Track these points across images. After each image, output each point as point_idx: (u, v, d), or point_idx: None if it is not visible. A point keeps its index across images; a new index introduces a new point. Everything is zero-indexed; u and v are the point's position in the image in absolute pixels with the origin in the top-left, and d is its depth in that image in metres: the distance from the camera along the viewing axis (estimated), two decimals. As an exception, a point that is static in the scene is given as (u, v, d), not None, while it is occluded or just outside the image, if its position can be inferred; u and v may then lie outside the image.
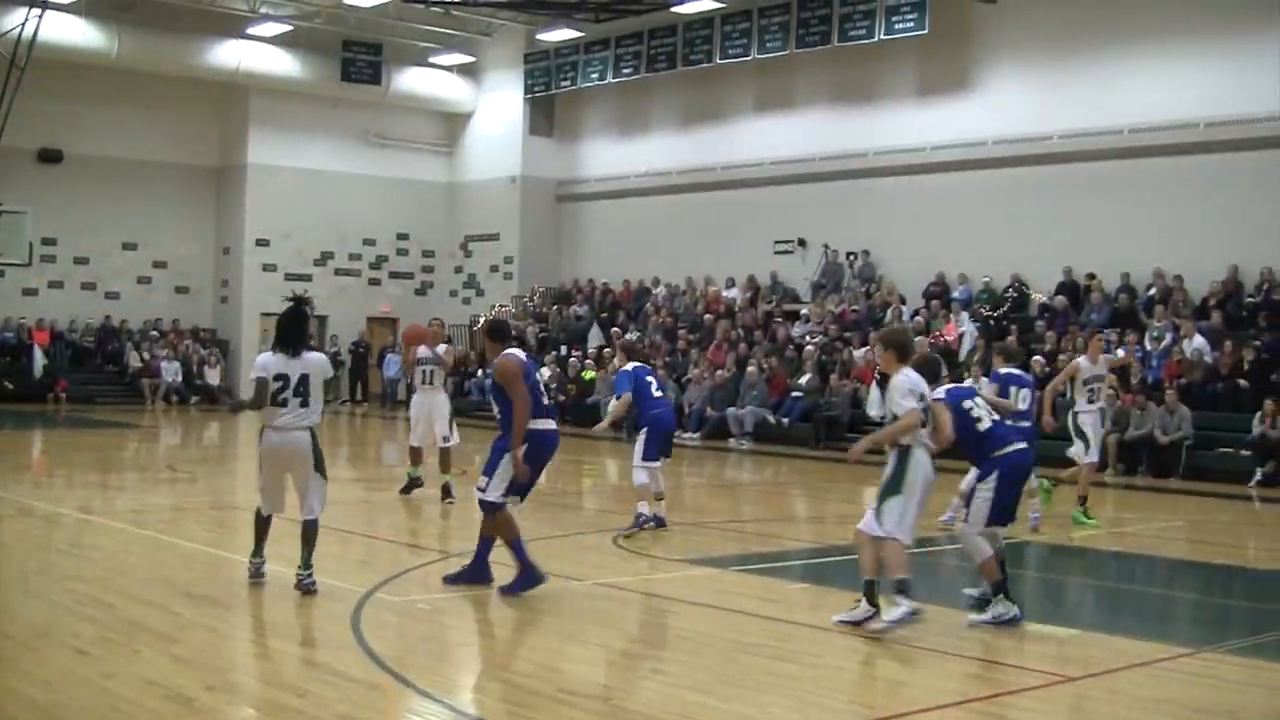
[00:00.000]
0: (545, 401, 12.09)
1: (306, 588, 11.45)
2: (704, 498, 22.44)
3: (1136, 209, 30.25)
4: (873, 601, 10.87)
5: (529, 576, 11.72)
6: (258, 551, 11.96)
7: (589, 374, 36.67)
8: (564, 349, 39.01)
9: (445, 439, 18.76)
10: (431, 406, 18.85)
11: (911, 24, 32.89)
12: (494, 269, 45.58)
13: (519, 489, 11.93)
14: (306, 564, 11.58)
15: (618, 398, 16.68)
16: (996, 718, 8.21)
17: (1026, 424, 16.67)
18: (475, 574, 12.12)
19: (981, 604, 11.41)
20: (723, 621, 11.17)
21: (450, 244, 47.01)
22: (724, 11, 36.82)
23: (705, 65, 38.05)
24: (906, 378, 11.22)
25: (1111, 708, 8.44)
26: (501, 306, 43.76)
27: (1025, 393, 16.58)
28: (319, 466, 11.81)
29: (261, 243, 43.46)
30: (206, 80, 41.99)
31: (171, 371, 40.78)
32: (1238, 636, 11.33)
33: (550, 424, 12.11)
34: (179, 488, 20.19)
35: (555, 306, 42.05)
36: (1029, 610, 12.34)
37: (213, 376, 41.90)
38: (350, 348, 44.35)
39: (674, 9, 37.01)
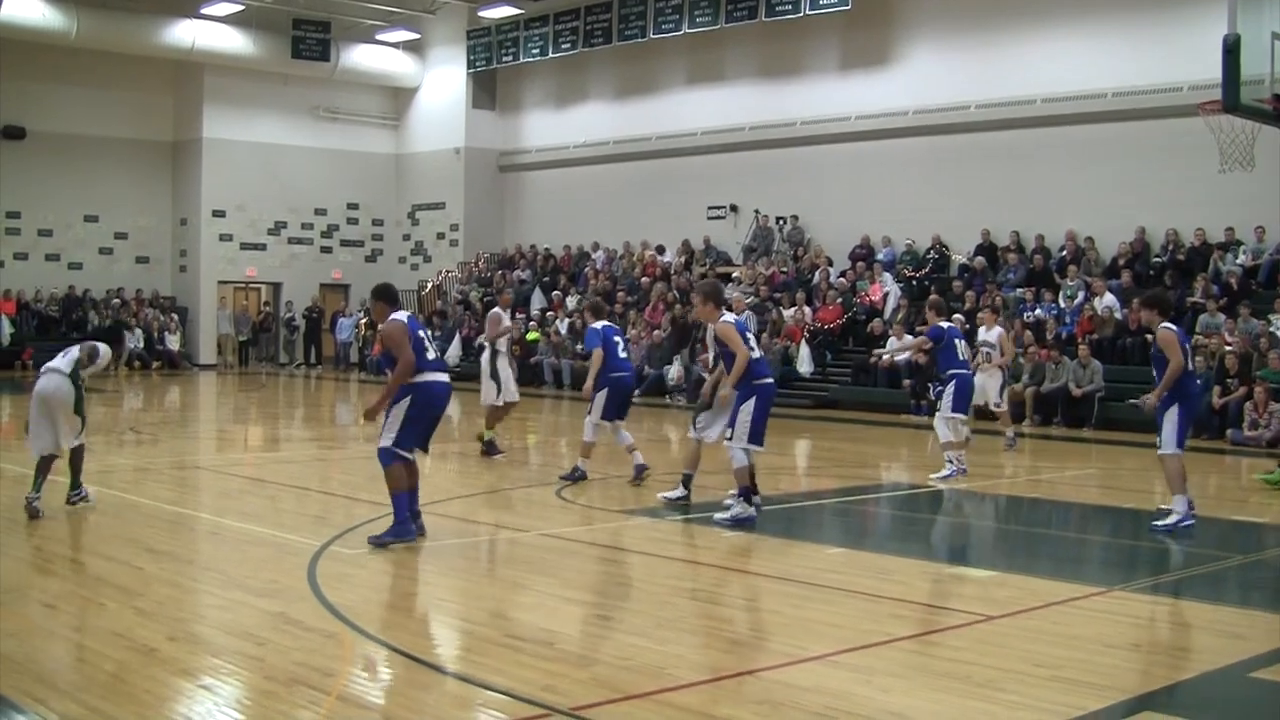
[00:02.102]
0: (431, 356, 11.82)
1: (73, 501, 13.31)
2: (642, 452, 22.42)
3: (1050, 175, 30.47)
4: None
5: (401, 531, 11.57)
6: (37, 488, 12.97)
7: (532, 335, 36.65)
8: (508, 312, 38.89)
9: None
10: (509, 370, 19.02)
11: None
12: (440, 236, 45.47)
13: (415, 442, 11.76)
14: (74, 485, 13.35)
15: (588, 353, 16.68)
16: (922, 655, 8.27)
17: (966, 371, 17.17)
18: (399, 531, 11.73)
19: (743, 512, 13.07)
20: (660, 568, 11.20)
21: (398, 213, 46.88)
22: (657, -11, 36.90)
23: (639, 40, 37.99)
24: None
25: (1029, 644, 8.50)
26: (448, 271, 43.72)
27: (963, 344, 17.28)
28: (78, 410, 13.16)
29: (218, 214, 43.26)
30: (162, 59, 41.74)
31: (134, 338, 40.53)
32: (1143, 576, 11.43)
33: (439, 376, 11.84)
34: (142, 449, 20.05)
35: (499, 271, 41.94)
36: (952, 554, 12.45)
37: (173, 342, 41.77)
38: (304, 313, 44.23)
39: (609, -14, 36.99)
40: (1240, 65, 13.73)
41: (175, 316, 42.51)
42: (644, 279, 36.92)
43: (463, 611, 9.76)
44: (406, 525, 11.62)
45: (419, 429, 11.77)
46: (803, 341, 30.63)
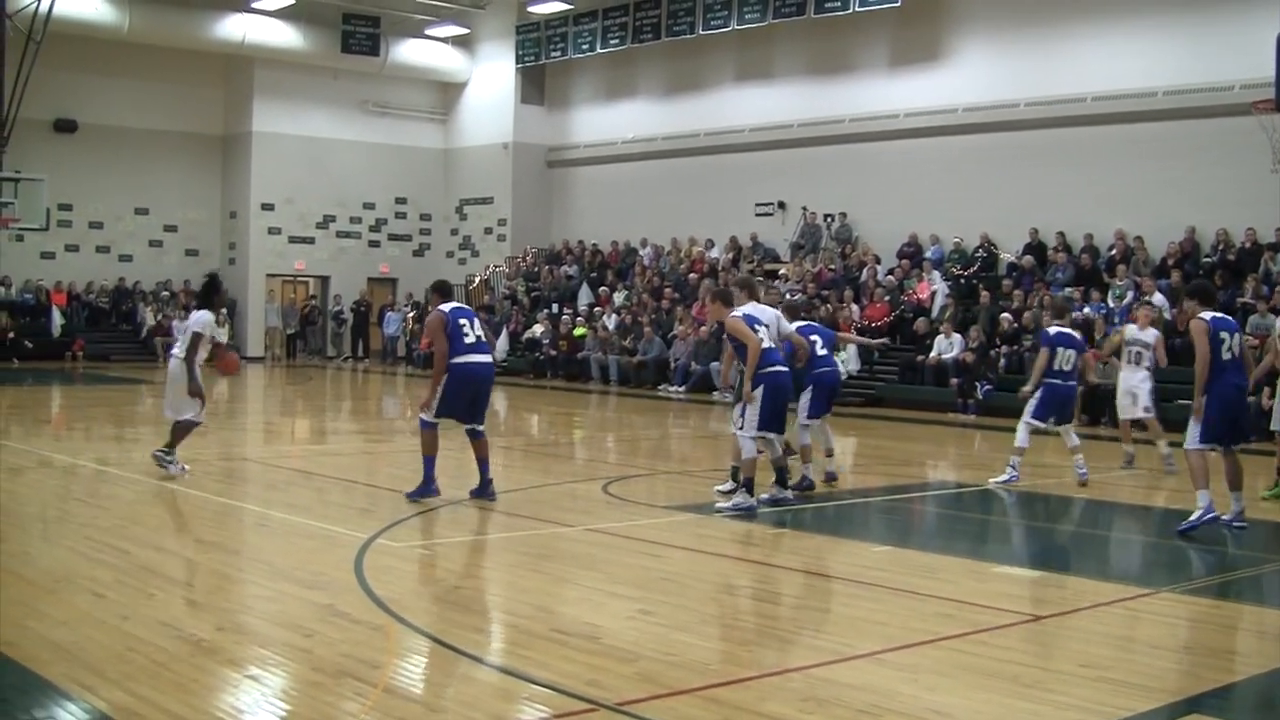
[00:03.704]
0: (468, 341, 13.43)
1: (156, 460, 15.23)
2: (689, 448, 22.47)
3: (1100, 173, 30.28)
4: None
5: (426, 489, 13.64)
6: (167, 447, 15.36)
7: (579, 330, 36.69)
8: (555, 307, 39.04)
9: None
10: None
11: (884, -4, 32.87)
12: (488, 231, 45.57)
13: (450, 414, 13.60)
14: (167, 446, 15.28)
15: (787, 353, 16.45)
16: (968, 654, 8.23)
17: (1073, 383, 16.50)
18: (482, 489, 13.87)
19: (775, 501, 13.96)
20: (706, 565, 11.20)
21: (446, 207, 47.01)
22: (706, -15, 36.85)
23: (688, 36, 37.97)
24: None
25: (1076, 645, 8.47)
26: (495, 267, 43.80)
27: (1071, 354, 16.34)
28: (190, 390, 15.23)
29: (266, 207, 43.49)
30: (213, 52, 41.98)
31: (182, 330, 40.72)
32: (1192, 577, 11.37)
33: (476, 358, 13.47)
34: (190, 440, 20.14)
35: (546, 266, 42.01)
36: (997, 554, 12.41)
37: (221, 335, 41.74)
38: (352, 307, 44.41)
39: (659, -18, 37.00)
40: (1294, 64, 13.63)
41: (223, 309, 42.66)
42: (691, 275, 36.90)
43: (508, 605, 9.78)
44: (430, 486, 13.62)
45: (457, 404, 13.52)
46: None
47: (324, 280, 45.59)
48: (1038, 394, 16.35)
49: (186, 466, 15.36)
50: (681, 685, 7.37)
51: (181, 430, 15.28)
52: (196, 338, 15.20)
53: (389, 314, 43.85)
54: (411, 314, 42.79)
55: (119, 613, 8.77)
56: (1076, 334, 16.99)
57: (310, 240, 44.54)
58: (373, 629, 8.50)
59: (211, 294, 15.76)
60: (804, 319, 16.13)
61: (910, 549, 12.43)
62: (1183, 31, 29.28)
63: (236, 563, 11.00)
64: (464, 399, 13.49)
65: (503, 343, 38.30)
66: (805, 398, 15.58)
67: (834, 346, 16.49)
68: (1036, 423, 16.40)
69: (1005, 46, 32.62)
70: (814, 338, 15.73)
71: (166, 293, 42.07)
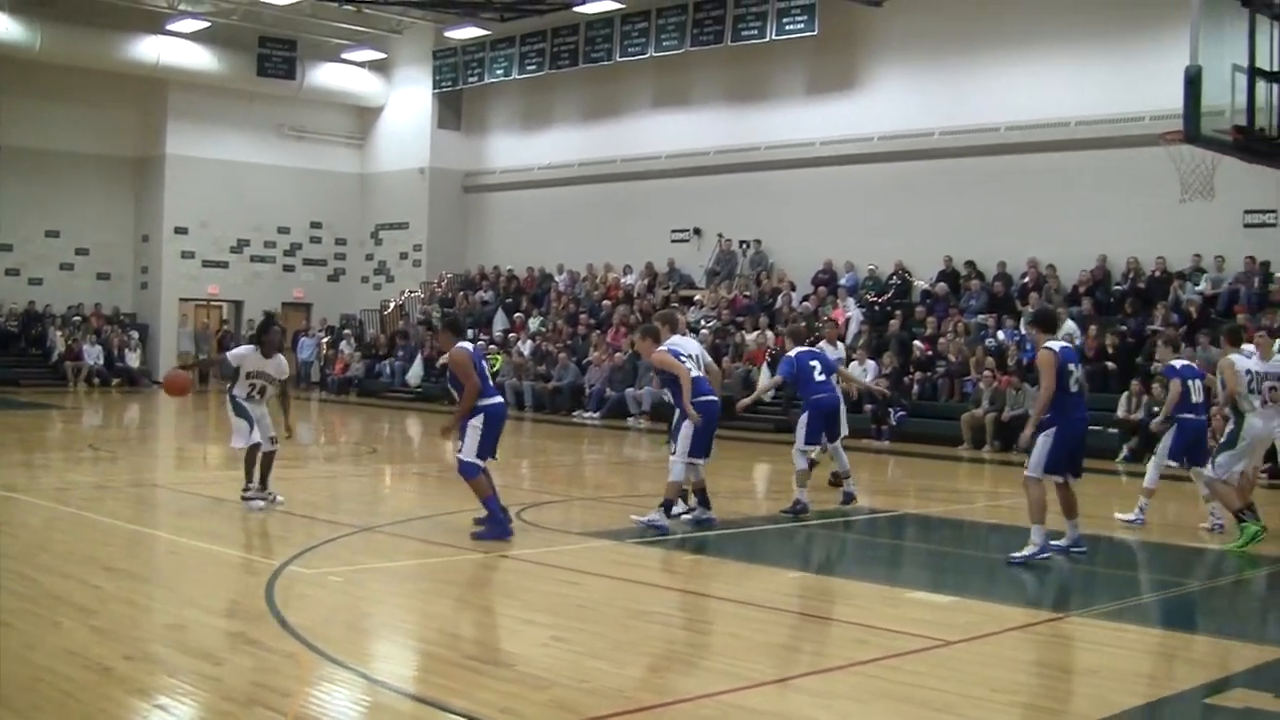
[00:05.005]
0: (491, 383, 13.87)
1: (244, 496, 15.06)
2: (603, 474, 22.47)
3: (1012, 202, 30.59)
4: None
5: (501, 530, 13.20)
6: (247, 479, 15.11)
7: (496, 358, 36.57)
8: (470, 333, 38.93)
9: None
10: None
11: (801, 25, 33.05)
12: (403, 256, 45.42)
13: (489, 453, 13.51)
14: (246, 482, 15.06)
15: (786, 380, 16.45)
16: (880, 680, 8.28)
17: (1191, 416, 15.43)
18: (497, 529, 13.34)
19: (700, 522, 14.48)
20: (620, 591, 11.20)
21: (362, 232, 46.79)
22: (623, 12, 36.84)
23: (605, 63, 38.07)
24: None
25: (985, 669, 8.53)
26: (410, 292, 43.67)
27: (1198, 383, 15.56)
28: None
29: (180, 231, 43.06)
30: (127, 74, 41.48)
31: (93, 355, 40.35)
32: (1101, 601, 11.48)
33: (499, 398, 13.84)
34: (100, 466, 19.95)
35: (462, 292, 41.92)
36: (910, 579, 12.48)
37: (133, 360, 41.52)
38: (266, 332, 43.93)
39: (576, 9, 36.96)
40: (1201, 96, 13.81)
41: (135, 334, 42.27)
42: (606, 301, 36.95)
43: (422, 633, 9.74)
44: (504, 525, 13.29)
45: (491, 442, 13.52)
46: (764, 365, 30.66)
47: (238, 305, 45.19)
48: (1171, 431, 15.49)
49: (280, 497, 15.30)
50: (596, 712, 7.37)
51: (248, 460, 15.05)
52: (235, 371, 15.19)
53: (303, 339, 43.48)
54: (326, 339, 42.57)
55: (25, 642, 8.66)
56: (1195, 364, 16.52)
57: (224, 264, 44.16)
58: (284, 657, 8.44)
59: (260, 333, 15.67)
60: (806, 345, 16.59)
61: (824, 575, 12.50)
62: (1095, 63, 29.64)
63: (146, 590, 10.89)
64: (496, 437, 13.68)
65: (417, 368, 38.13)
66: (801, 423, 15.87)
67: (833, 372, 16.43)
68: (1172, 463, 15.52)
69: (920, 76, 32.92)
70: (814, 363, 15.99)
71: (78, 317, 41.53)
